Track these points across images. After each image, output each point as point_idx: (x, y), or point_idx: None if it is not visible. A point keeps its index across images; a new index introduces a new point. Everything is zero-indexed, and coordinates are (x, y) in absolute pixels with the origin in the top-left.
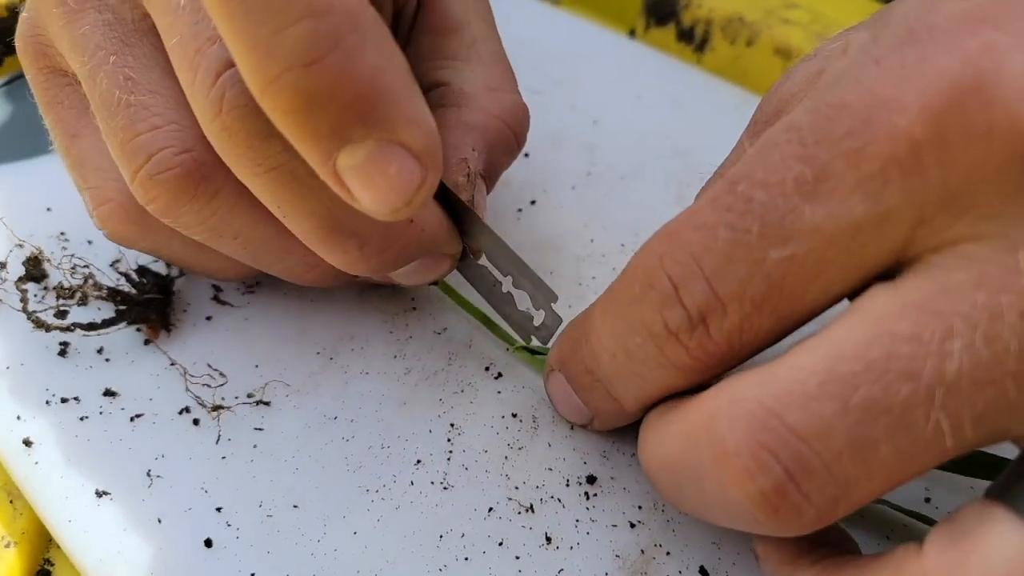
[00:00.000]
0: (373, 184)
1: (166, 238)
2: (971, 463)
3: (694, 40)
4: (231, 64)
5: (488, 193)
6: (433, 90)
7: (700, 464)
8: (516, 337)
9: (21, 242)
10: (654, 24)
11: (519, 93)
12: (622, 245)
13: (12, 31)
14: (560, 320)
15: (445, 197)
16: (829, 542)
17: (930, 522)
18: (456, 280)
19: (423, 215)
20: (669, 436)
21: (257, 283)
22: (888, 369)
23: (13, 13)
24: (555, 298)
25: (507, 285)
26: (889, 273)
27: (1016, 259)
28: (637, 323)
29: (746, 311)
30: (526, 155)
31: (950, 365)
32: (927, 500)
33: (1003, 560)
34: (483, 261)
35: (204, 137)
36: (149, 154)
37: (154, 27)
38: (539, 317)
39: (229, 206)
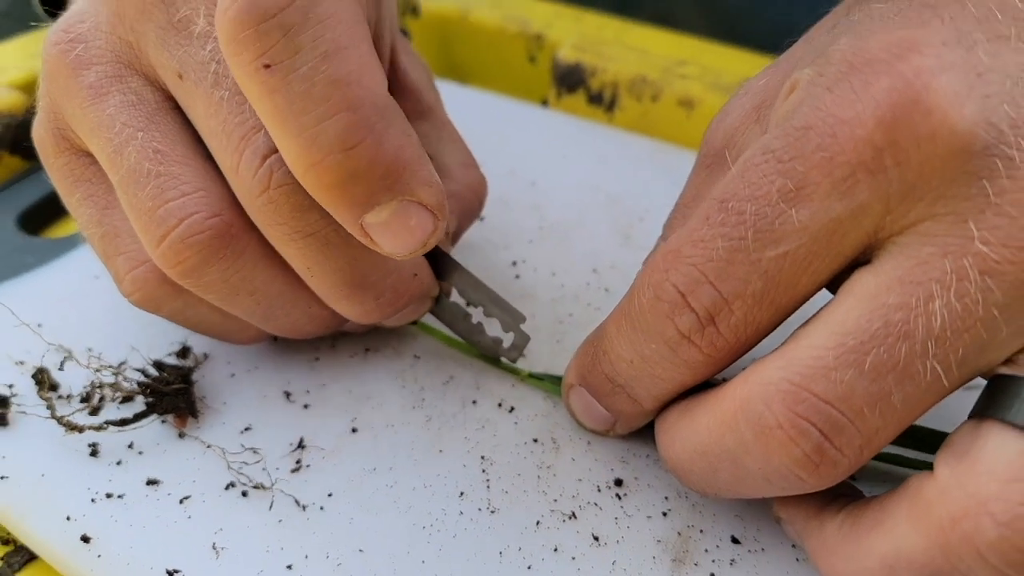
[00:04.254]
0: (395, 235)
1: (196, 297)
2: (911, 437)
3: (603, 102)
4: (275, 149)
5: (452, 247)
6: None
7: (740, 444)
8: (519, 369)
9: (21, 360)
10: (565, 92)
11: (480, 169)
12: (587, 284)
13: None
14: (528, 338)
15: None
16: (844, 493)
17: (911, 464)
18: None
19: (421, 267)
20: (700, 428)
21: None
22: (888, 334)
23: None
24: (523, 319)
25: (477, 316)
26: (862, 259)
27: (969, 228)
28: (650, 331)
29: (749, 306)
30: (482, 219)
31: (935, 322)
32: None
33: (1003, 461)
34: (454, 298)
35: (230, 203)
36: (180, 218)
37: (175, 107)
38: (508, 339)
39: (252, 264)
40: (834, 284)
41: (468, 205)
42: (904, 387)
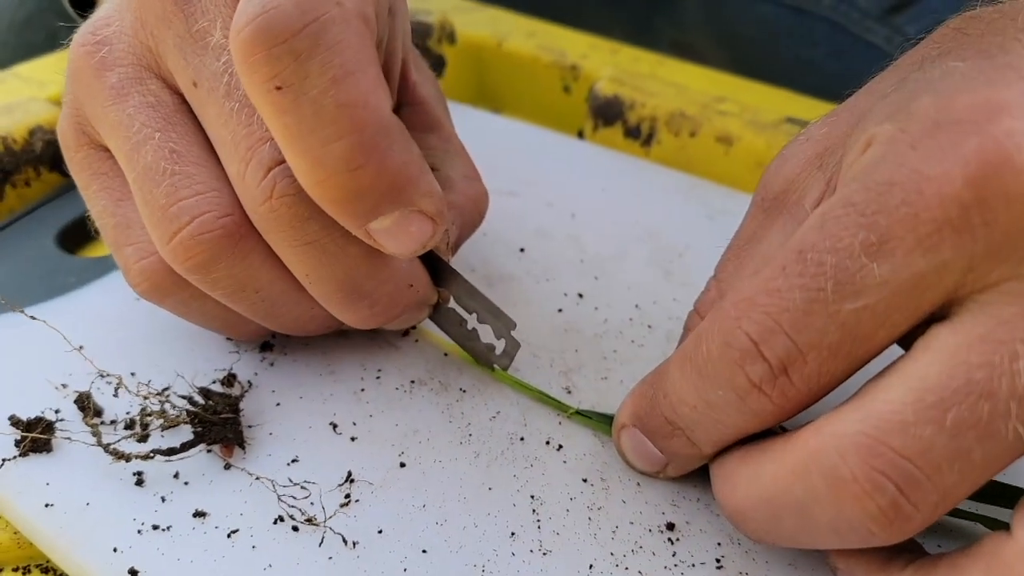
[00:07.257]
0: (397, 239)
1: (200, 291)
2: (991, 493)
3: (640, 136)
4: (279, 161)
5: (452, 256)
6: None
7: (810, 494)
8: (566, 405)
9: (64, 384)
10: (602, 125)
11: (483, 182)
12: (630, 319)
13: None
14: (518, 345)
15: (426, 255)
16: (907, 547)
17: (980, 519)
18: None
19: (417, 277)
20: (764, 476)
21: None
22: (970, 392)
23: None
24: (514, 325)
25: (472, 322)
26: (938, 314)
27: None
28: (718, 378)
29: (823, 357)
30: (522, 250)
31: (1019, 381)
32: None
33: None
34: (451, 304)
35: (240, 204)
36: (193, 216)
37: (191, 111)
38: (500, 346)
39: (259, 263)
40: (905, 338)
41: (469, 216)
42: (985, 445)
